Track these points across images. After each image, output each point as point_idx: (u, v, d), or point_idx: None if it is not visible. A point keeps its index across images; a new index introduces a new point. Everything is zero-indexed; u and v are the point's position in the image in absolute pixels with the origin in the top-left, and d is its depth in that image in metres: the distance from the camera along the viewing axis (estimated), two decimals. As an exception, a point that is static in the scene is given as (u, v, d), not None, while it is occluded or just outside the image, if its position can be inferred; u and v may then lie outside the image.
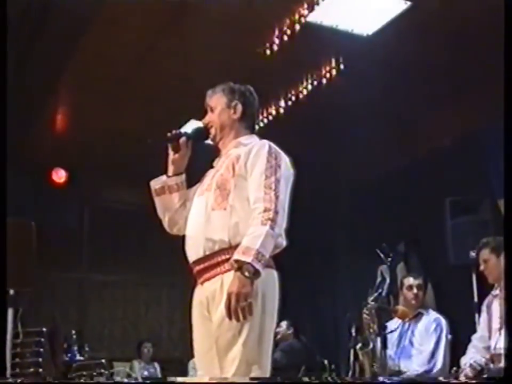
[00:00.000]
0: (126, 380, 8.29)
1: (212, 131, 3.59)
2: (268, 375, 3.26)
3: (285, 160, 3.41)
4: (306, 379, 7.61)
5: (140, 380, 9.62)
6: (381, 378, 5.12)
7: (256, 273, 3.08)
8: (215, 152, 3.67)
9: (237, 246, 3.19)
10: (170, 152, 3.60)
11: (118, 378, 9.61)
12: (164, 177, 3.62)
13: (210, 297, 3.31)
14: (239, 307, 3.06)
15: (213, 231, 3.31)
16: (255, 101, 3.67)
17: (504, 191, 3.70)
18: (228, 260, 3.22)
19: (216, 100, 3.60)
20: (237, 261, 3.10)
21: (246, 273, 3.06)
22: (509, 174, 3.64)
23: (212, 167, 3.63)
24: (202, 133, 3.64)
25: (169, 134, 3.59)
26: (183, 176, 3.66)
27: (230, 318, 3.08)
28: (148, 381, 8.76)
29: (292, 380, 7.49)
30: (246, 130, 3.60)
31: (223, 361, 3.21)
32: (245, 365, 3.16)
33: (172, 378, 8.37)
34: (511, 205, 3.59)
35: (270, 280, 3.31)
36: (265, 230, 3.14)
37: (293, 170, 3.45)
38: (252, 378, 3.18)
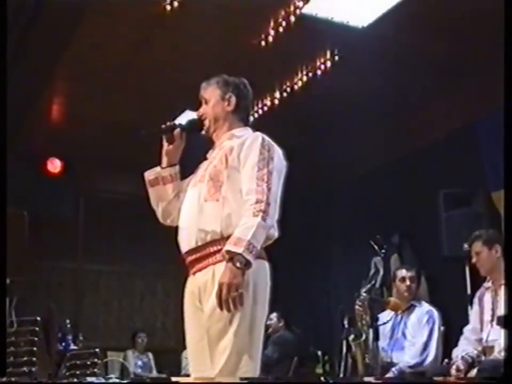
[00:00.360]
0: (125, 380, 8.30)
1: (206, 123, 3.61)
2: (258, 366, 3.28)
3: (278, 152, 3.43)
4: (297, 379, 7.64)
5: (133, 369, 9.68)
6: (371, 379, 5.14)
7: (247, 264, 3.10)
8: (209, 144, 3.68)
9: (229, 237, 3.21)
10: (165, 144, 3.62)
11: (112, 368, 9.70)
12: (157, 168, 3.64)
13: (202, 288, 3.34)
14: (230, 297, 3.07)
15: (205, 222, 3.33)
16: (249, 94, 3.68)
17: (504, 191, 3.71)
18: (219, 250, 3.24)
19: (211, 92, 3.62)
20: (228, 252, 3.12)
21: (238, 264, 3.08)
22: (509, 172, 3.65)
23: (205, 159, 3.65)
24: (197, 124, 3.66)
25: (163, 126, 3.61)
26: (177, 167, 3.68)
27: (221, 308, 3.10)
28: (149, 381, 8.76)
29: (284, 380, 7.53)
30: (240, 123, 3.62)
31: (214, 351, 3.23)
32: (236, 355, 3.17)
33: (175, 379, 8.40)
34: (511, 200, 3.60)
35: (262, 271, 3.33)
36: (256, 221, 3.16)
37: (285, 162, 3.46)
38: (248, 379, 3.22)
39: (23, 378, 6.19)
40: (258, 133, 3.49)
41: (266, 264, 3.38)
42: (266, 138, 3.44)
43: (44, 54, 7.10)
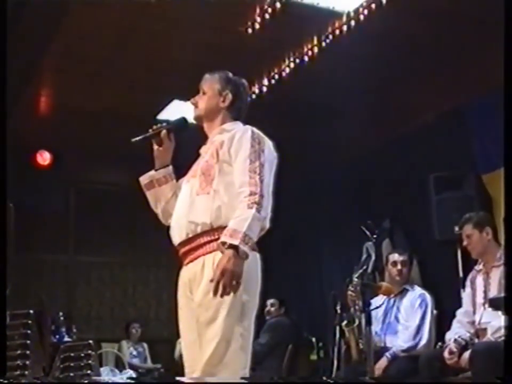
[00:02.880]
0: (128, 380, 8.29)
1: (197, 112, 3.69)
2: (248, 355, 3.31)
3: (268, 144, 3.48)
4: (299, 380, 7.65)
5: (128, 360, 9.68)
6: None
7: (246, 256, 3.16)
8: (202, 142, 3.73)
9: (218, 228, 3.31)
10: (155, 147, 3.70)
11: (107, 359, 9.71)
12: (151, 172, 3.73)
13: (192, 278, 3.40)
14: (229, 285, 3.11)
15: (195, 215, 3.39)
16: (246, 96, 3.79)
17: (504, 183, 3.70)
18: (210, 241, 3.33)
19: (210, 84, 3.70)
20: (224, 243, 3.14)
21: (240, 254, 3.13)
22: (509, 158, 3.65)
23: (199, 155, 3.72)
24: (183, 124, 3.75)
25: (150, 130, 3.68)
26: (170, 168, 3.77)
27: (215, 293, 3.12)
28: (148, 381, 8.77)
29: (286, 380, 7.55)
30: (231, 120, 3.68)
31: (203, 339, 3.26)
32: (224, 343, 3.21)
33: (181, 378, 8.38)
34: (510, 188, 3.60)
35: (253, 261, 3.36)
36: (251, 213, 3.20)
37: (276, 154, 3.52)
38: (249, 378, 3.23)
39: (19, 377, 6.20)
40: (248, 126, 3.55)
41: (257, 256, 3.43)
42: (256, 131, 3.50)
43: (31, 45, 7.07)
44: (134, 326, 10.25)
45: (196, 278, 3.34)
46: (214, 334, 3.21)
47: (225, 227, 3.27)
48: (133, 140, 3.60)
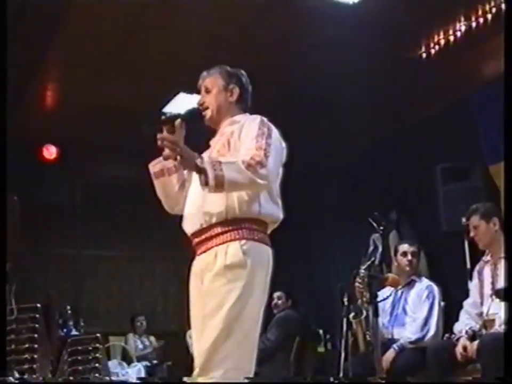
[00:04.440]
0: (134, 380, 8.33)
1: (208, 112, 3.67)
2: (253, 350, 3.29)
3: (276, 132, 3.48)
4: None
5: (136, 353, 9.69)
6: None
7: (201, 171, 3.14)
8: (208, 132, 3.73)
9: (233, 219, 3.31)
10: (165, 135, 3.63)
11: (114, 353, 9.73)
12: (162, 160, 3.65)
13: (204, 268, 3.39)
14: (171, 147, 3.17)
15: (210, 205, 3.36)
16: (249, 86, 3.77)
17: (504, 177, 3.70)
18: (224, 232, 3.32)
19: (213, 81, 3.69)
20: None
21: (197, 161, 3.15)
22: (509, 153, 3.64)
23: (208, 146, 3.71)
24: (196, 113, 3.71)
25: (163, 117, 3.61)
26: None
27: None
28: (149, 382, 8.79)
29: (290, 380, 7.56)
30: (240, 112, 3.69)
31: (206, 327, 3.25)
32: (225, 334, 3.18)
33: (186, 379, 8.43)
34: (510, 182, 3.60)
35: (264, 256, 3.37)
36: (239, 162, 3.20)
37: (284, 145, 3.52)
38: (253, 378, 3.23)
39: (27, 370, 6.22)
40: (257, 115, 3.55)
41: (269, 251, 3.44)
42: (265, 119, 3.50)
43: (36, 40, 7.07)
44: (139, 319, 10.24)
45: (208, 268, 3.33)
46: (217, 323, 3.19)
47: (239, 218, 3.30)
48: (145, 127, 3.56)
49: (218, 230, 3.35)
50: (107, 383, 6.81)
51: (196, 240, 3.46)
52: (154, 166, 3.73)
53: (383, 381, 4.89)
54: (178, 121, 3.57)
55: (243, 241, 3.29)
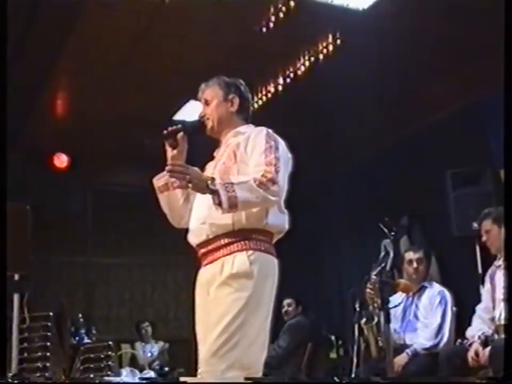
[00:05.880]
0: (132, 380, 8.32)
1: (209, 123, 3.66)
2: (255, 356, 3.28)
3: (282, 144, 3.48)
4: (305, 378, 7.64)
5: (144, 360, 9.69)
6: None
7: (213, 193, 3.16)
8: (211, 144, 3.74)
9: (240, 230, 3.31)
10: (168, 149, 3.65)
11: (126, 360, 9.74)
12: (166, 175, 3.60)
13: (210, 279, 3.39)
14: (181, 174, 3.20)
15: (217, 217, 3.33)
16: (249, 94, 3.78)
17: (504, 175, 3.69)
18: (231, 243, 3.33)
19: (212, 93, 3.69)
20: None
21: (208, 183, 3.16)
22: (509, 153, 3.63)
23: (212, 158, 3.72)
24: (198, 126, 3.71)
25: (165, 132, 3.63)
26: None
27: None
28: (148, 381, 8.79)
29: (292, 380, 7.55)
30: (243, 121, 3.69)
31: (210, 335, 3.25)
32: (226, 336, 3.19)
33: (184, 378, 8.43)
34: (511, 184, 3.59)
35: (270, 266, 3.39)
36: (251, 182, 3.20)
37: (290, 155, 3.52)
38: (253, 378, 3.22)
39: (36, 377, 6.24)
40: (262, 127, 3.55)
41: (275, 261, 3.44)
42: (270, 130, 3.50)
43: (46, 47, 7.09)
44: (143, 326, 10.21)
45: (215, 278, 3.34)
46: (221, 332, 3.19)
47: (246, 229, 3.31)
48: (147, 141, 3.57)
49: (225, 240, 3.35)
50: (106, 383, 6.81)
51: (202, 250, 3.46)
52: (158, 180, 3.73)
53: (384, 381, 4.89)
54: (180, 134, 3.60)
55: (250, 252, 3.30)
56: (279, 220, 3.44)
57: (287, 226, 3.48)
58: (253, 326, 3.23)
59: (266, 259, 3.34)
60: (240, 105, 3.67)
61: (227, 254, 3.32)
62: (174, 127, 3.64)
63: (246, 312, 3.21)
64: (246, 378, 3.19)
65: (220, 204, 3.13)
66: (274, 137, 3.44)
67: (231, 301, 3.21)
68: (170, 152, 3.63)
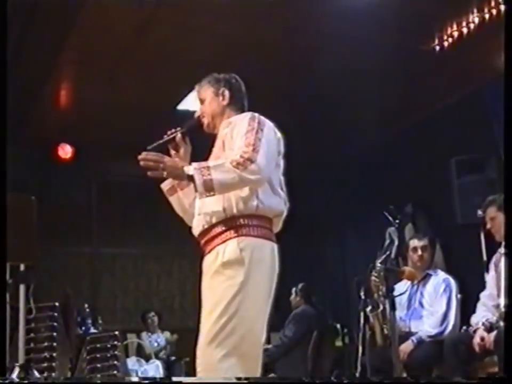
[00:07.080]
0: (135, 379, 8.35)
1: (205, 121, 3.72)
2: (261, 343, 3.32)
3: (269, 124, 3.49)
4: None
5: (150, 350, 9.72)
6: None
7: (190, 178, 3.23)
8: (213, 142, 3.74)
9: (233, 217, 3.34)
10: (172, 152, 3.70)
11: (132, 350, 9.77)
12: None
13: (207, 268, 3.43)
14: (154, 166, 3.25)
15: (209, 206, 3.40)
16: (241, 86, 3.79)
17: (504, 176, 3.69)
18: (223, 232, 3.36)
19: (204, 92, 3.75)
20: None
21: (184, 169, 3.23)
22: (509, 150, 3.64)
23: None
24: (196, 125, 3.77)
25: (165, 136, 3.69)
26: None
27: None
28: (149, 381, 8.82)
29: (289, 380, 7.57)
30: (237, 112, 3.70)
31: (206, 323, 3.28)
32: (222, 321, 3.20)
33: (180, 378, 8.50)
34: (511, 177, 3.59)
35: (265, 251, 3.38)
36: (227, 163, 3.23)
37: (280, 135, 3.55)
38: (250, 378, 3.23)
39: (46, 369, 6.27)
40: (248, 112, 3.58)
41: (273, 246, 3.45)
42: (257, 114, 3.51)
43: (49, 38, 7.09)
44: (149, 316, 10.24)
45: (211, 267, 3.38)
46: (216, 319, 3.21)
47: (238, 216, 3.33)
48: (148, 147, 3.58)
49: (219, 229, 3.38)
50: (106, 383, 6.84)
51: (202, 241, 3.50)
52: (165, 185, 3.79)
53: (383, 381, 4.91)
54: (178, 136, 3.67)
55: (241, 238, 3.31)
56: (273, 202, 3.43)
57: (283, 209, 3.48)
58: (249, 312, 3.24)
59: (260, 244, 3.34)
60: (231, 97, 3.69)
61: (221, 243, 3.35)
62: (173, 130, 3.71)
63: (240, 298, 3.22)
64: (244, 378, 3.21)
65: (196, 189, 3.18)
66: (259, 119, 3.44)
67: (223, 288, 3.24)
68: (174, 155, 3.68)
